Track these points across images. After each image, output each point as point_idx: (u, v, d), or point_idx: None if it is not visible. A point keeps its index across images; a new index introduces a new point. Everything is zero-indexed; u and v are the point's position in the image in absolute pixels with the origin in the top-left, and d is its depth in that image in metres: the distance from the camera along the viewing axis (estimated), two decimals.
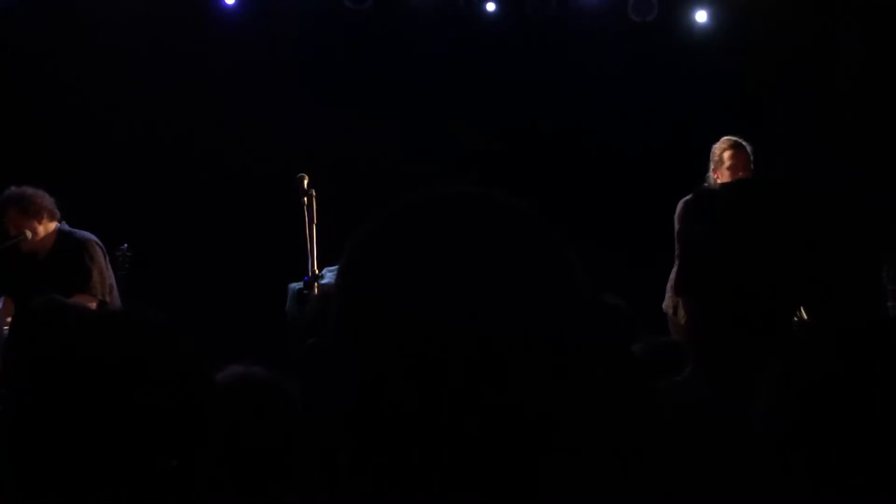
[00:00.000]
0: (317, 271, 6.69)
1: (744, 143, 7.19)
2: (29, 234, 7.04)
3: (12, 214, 6.95)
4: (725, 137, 7.23)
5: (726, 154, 7.14)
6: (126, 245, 7.53)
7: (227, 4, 9.59)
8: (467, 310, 1.18)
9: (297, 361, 2.95)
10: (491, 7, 9.82)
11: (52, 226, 7.11)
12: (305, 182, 6.89)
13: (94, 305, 6.86)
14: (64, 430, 1.80)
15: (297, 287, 7.26)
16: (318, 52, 9.83)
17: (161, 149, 9.49)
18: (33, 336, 3.62)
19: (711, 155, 7.23)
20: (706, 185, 7.06)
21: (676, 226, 6.48)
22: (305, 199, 6.86)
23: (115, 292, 7.25)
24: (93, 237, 7.19)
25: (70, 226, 7.23)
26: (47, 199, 7.07)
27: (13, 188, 7.04)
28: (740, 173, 7.04)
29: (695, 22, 9.95)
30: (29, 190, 7.03)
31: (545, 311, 1.20)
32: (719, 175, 7.12)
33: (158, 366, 1.86)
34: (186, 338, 1.92)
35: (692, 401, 2.16)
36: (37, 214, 7.00)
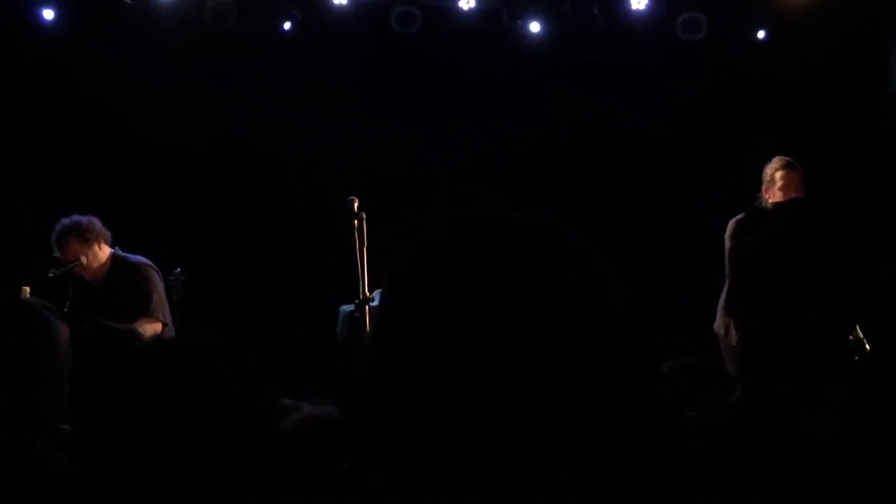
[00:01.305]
0: (367, 294, 6.69)
1: (796, 162, 7.13)
2: (84, 259, 7.10)
3: (73, 243, 7.01)
4: (777, 157, 7.17)
5: (778, 174, 7.09)
6: (179, 269, 7.59)
7: (284, 30, 9.67)
8: (505, 332, 1.18)
9: (345, 392, 2.95)
10: (535, 27, 9.81)
11: (107, 251, 7.17)
12: (356, 205, 6.90)
13: (158, 328, 6.92)
14: (124, 459, 1.81)
15: (348, 309, 7.28)
16: (368, 75, 9.89)
17: (213, 173, 9.58)
18: (84, 363, 3.64)
19: (763, 175, 7.18)
20: (757, 204, 7.02)
21: (727, 245, 6.44)
22: (356, 221, 6.87)
23: (170, 315, 7.30)
24: (147, 261, 7.23)
25: (124, 251, 7.29)
26: (100, 224, 7.14)
27: (64, 220, 7.10)
28: (792, 193, 6.99)
29: (744, 40, 9.88)
30: (82, 217, 7.09)
31: (582, 334, 1.20)
32: (771, 195, 7.07)
33: (221, 395, 1.86)
34: (249, 365, 1.93)
35: (744, 423, 2.14)
36: (95, 240, 7.07)
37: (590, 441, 1.21)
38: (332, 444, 2.44)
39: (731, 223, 6.52)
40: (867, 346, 4.75)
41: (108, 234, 7.17)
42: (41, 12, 9.39)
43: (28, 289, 6.80)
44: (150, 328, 6.82)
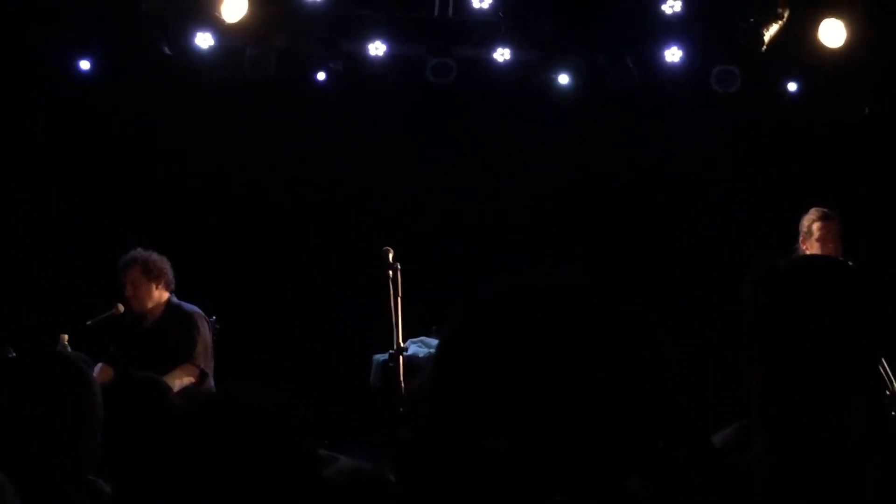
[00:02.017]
0: (401, 343, 6.71)
1: (833, 214, 7.09)
2: (121, 307, 7.20)
3: (135, 273, 7.13)
4: (815, 208, 7.13)
5: (815, 225, 7.05)
6: (214, 318, 7.64)
7: (321, 81, 9.76)
8: (555, 403, 1.20)
9: (395, 453, 2.96)
10: (570, 80, 9.84)
11: (165, 295, 7.26)
12: (391, 255, 6.93)
13: (194, 376, 6.97)
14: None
15: (382, 359, 7.29)
16: (403, 126, 9.96)
17: (250, 223, 9.66)
18: (132, 413, 3.68)
19: (801, 226, 7.14)
20: (794, 255, 6.98)
21: (748, 297, 6.40)
22: (390, 272, 6.90)
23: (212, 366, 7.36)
24: (200, 311, 7.32)
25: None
26: (169, 268, 7.26)
27: (140, 249, 7.22)
28: (830, 245, 6.95)
29: (779, 93, 9.87)
30: (155, 255, 7.24)
31: (631, 402, 1.22)
32: (808, 246, 7.03)
33: (264, 448, 1.88)
34: (289, 416, 1.94)
35: (762, 479, 2.14)
36: (157, 279, 7.17)
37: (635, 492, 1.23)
38: (370, 497, 2.44)
39: (752, 275, 6.49)
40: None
41: (171, 280, 7.28)
42: (78, 63, 9.51)
43: (66, 336, 6.86)
44: (187, 377, 6.86)
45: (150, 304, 7.20)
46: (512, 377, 1.22)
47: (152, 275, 7.17)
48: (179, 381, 6.84)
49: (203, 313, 7.35)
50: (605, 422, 1.22)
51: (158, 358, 6.73)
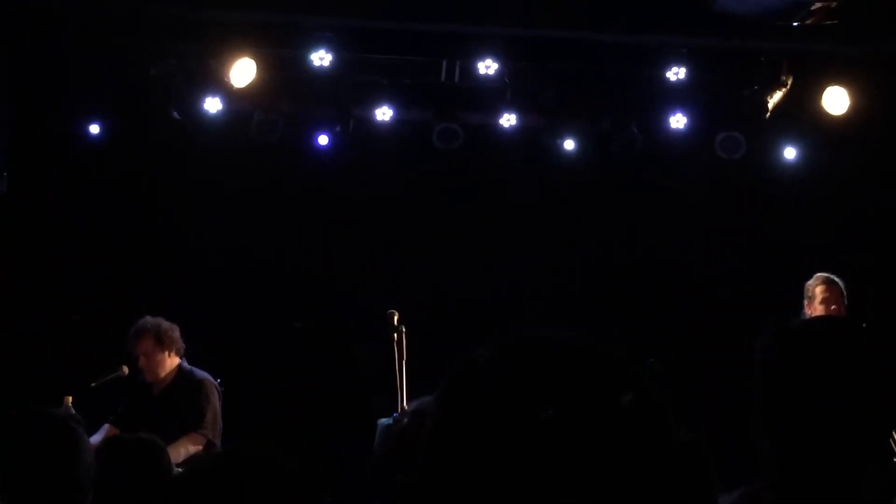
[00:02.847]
0: (406, 407, 6.68)
1: (836, 279, 7.14)
2: (126, 369, 7.19)
3: (147, 342, 7.12)
4: (818, 274, 7.19)
5: (818, 289, 7.10)
6: (220, 380, 7.63)
7: (327, 145, 9.82)
8: (556, 461, 1.20)
9: (385, 496, 2.95)
10: (575, 145, 9.88)
11: (176, 361, 7.25)
12: (396, 318, 6.94)
13: (202, 444, 6.94)
14: None
15: (387, 423, 7.26)
16: (410, 189, 10.01)
17: (256, 285, 9.68)
18: (124, 473, 3.68)
19: (805, 290, 7.19)
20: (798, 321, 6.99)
21: (758, 360, 6.39)
22: (395, 334, 6.90)
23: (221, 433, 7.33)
24: (211, 378, 7.30)
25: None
26: (178, 335, 7.25)
27: (149, 318, 7.22)
28: (833, 308, 6.98)
29: (782, 159, 9.90)
30: (165, 323, 7.25)
31: (634, 464, 1.22)
32: (812, 311, 7.07)
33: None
34: (296, 476, 1.94)
35: None
36: (169, 347, 7.19)
37: None
38: None
39: (760, 340, 6.49)
40: None
41: (182, 346, 7.29)
42: (87, 127, 9.56)
43: (70, 398, 6.85)
44: (193, 445, 6.84)
45: (162, 374, 7.20)
46: (510, 439, 1.22)
47: (164, 344, 7.17)
48: (185, 449, 6.82)
49: (213, 380, 7.33)
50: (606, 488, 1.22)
51: (167, 424, 6.70)
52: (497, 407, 1.24)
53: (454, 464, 1.24)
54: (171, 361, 7.22)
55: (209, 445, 6.99)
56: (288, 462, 1.94)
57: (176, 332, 7.23)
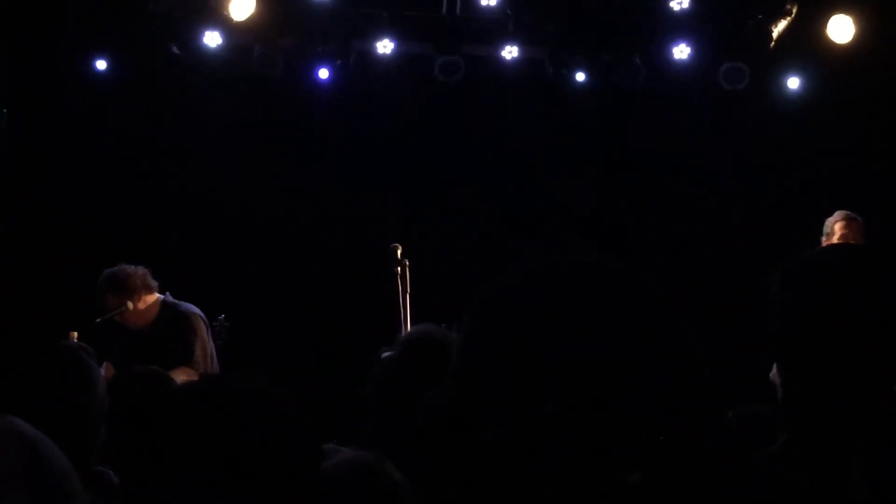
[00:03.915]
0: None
1: (856, 216, 7.07)
2: (130, 305, 7.15)
3: (109, 296, 7.06)
4: (839, 211, 7.12)
5: (838, 225, 7.04)
6: (223, 316, 7.62)
7: (328, 79, 9.77)
8: (582, 372, 1.21)
9: (407, 418, 2.96)
10: (578, 77, 9.85)
11: (152, 298, 7.17)
12: (399, 252, 6.94)
13: (196, 378, 6.94)
14: (173, 497, 1.83)
15: (389, 355, 7.28)
16: (411, 124, 9.97)
17: (259, 220, 9.68)
18: (137, 405, 3.69)
19: (824, 227, 7.14)
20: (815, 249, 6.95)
21: (774, 293, 6.38)
22: (399, 268, 6.91)
23: (216, 364, 7.31)
24: (196, 310, 7.24)
25: (173, 297, 7.33)
26: (139, 275, 7.10)
27: (107, 270, 7.13)
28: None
29: (787, 90, 9.85)
30: (120, 271, 7.09)
31: (656, 374, 1.23)
32: None
33: (266, 437, 1.88)
34: (292, 409, 1.94)
35: (783, 473, 2.13)
36: (132, 293, 7.07)
37: (654, 482, 1.24)
38: (371, 487, 2.45)
39: (778, 270, 6.46)
40: None
41: (152, 284, 7.16)
42: (87, 63, 9.58)
43: (76, 334, 6.86)
44: (187, 377, 6.82)
45: (142, 321, 7.14)
46: (534, 358, 1.23)
47: (126, 290, 7.01)
48: (179, 380, 6.81)
49: (201, 313, 7.25)
50: (623, 409, 1.23)
51: (158, 361, 6.66)
52: (524, 321, 1.25)
53: (488, 377, 1.25)
54: (146, 300, 7.13)
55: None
56: (282, 399, 1.94)
57: (135, 275, 7.06)
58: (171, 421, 1.90)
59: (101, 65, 9.57)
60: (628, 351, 1.25)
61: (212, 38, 9.30)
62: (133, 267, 7.12)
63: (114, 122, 9.64)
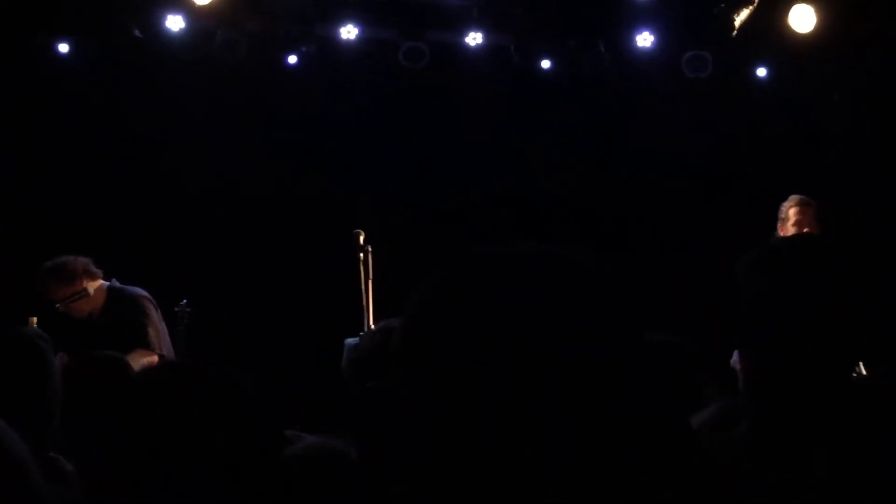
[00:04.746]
0: (373, 326, 6.69)
1: (811, 201, 7.10)
2: (91, 289, 7.10)
3: (52, 287, 6.99)
4: (793, 195, 7.13)
5: (792, 210, 7.06)
6: (185, 301, 7.59)
7: (292, 65, 9.72)
8: (529, 356, 1.21)
9: (355, 404, 2.95)
10: (543, 64, 9.87)
11: (96, 284, 7.10)
12: (361, 238, 6.92)
13: (154, 360, 6.90)
14: (132, 483, 1.82)
15: (354, 343, 7.27)
16: (375, 110, 9.94)
17: (220, 206, 9.62)
18: (93, 391, 3.66)
19: (779, 212, 7.16)
20: (771, 240, 7.00)
21: (738, 280, 6.41)
22: (361, 254, 6.89)
23: (168, 344, 7.26)
24: (143, 292, 7.18)
25: (131, 283, 7.27)
26: (80, 263, 7.03)
27: (47, 263, 7.04)
28: (805, 230, 6.97)
29: (750, 77, 9.92)
30: (60, 259, 7.02)
31: (605, 361, 1.23)
32: (784, 232, 7.04)
33: (226, 422, 1.87)
34: (253, 395, 1.94)
35: (747, 456, 2.15)
36: (77, 279, 7.01)
37: (608, 467, 1.24)
38: (334, 473, 2.45)
39: (742, 260, 6.49)
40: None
41: (95, 271, 7.08)
42: (56, 47, 9.49)
43: (35, 319, 6.80)
44: (146, 360, 6.77)
45: (88, 308, 7.08)
46: (475, 346, 1.23)
47: (68, 278, 6.97)
48: (137, 363, 6.77)
49: (147, 295, 7.19)
50: (565, 396, 1.22)
51: (111, 346, 6.60)
52: (471, 307, 1.24)
53: (431, 363, 1.24)
54: (90, 288, 7.09)
55: (161, 359, 6.96)
56: (242, 384, 1.93)
57: (76, 262, 6.99)
58: (130, 406, 1.88)
59: (63, 48, 9.48)
60: (572, 338, 1.24)
61: (174, 22, 9.25)
62: (73, 256, 7.07)
63: (75, 107, 9.53)
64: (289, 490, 2.05)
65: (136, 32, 9.31)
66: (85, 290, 7.05)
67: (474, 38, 9.66)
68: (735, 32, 9.35)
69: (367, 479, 2.45)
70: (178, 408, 1.86)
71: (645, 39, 9.74)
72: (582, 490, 1.22)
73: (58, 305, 7.07)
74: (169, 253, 9.08)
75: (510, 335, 1.22)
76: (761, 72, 9.94)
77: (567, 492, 1.21)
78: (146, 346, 6.91)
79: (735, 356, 6.96)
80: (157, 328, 7.10)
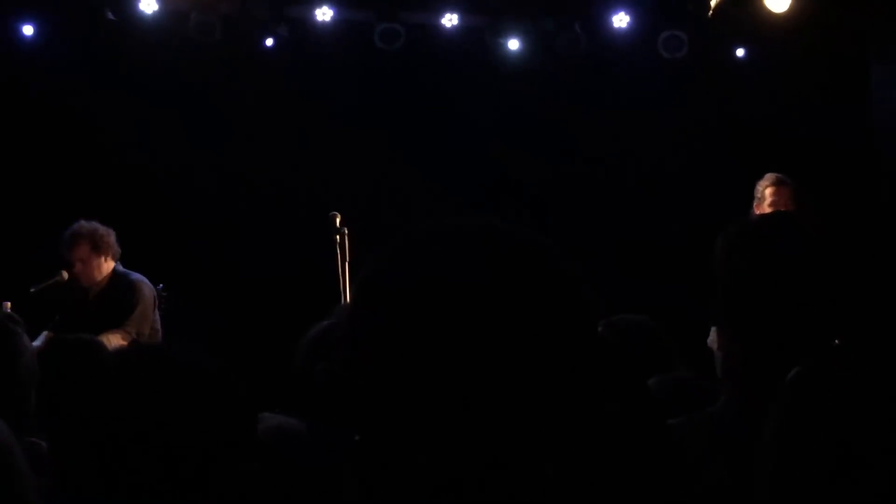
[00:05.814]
0: None
1: (786, 179, 7.09)
2: (65, 274, 7.13)
3: (83, 247, 7.07)
4: (769, 174, 7.12)
5: (768, 190, 7.05)
6: (161, 285, 7.57)
7: (267, 46, 9.67)
8: (475, 339, 1.19)
9: (306, 386, 2.95)
10: (518, 45, 9.85)
11: (111, 265, 7.20)
12: (338, 220, 6.92)
13: (124, 342, 6.88)
14: (104, 467, 1.80)
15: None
16: (350, 91, 9.90)
17: (195, 189, 9.57)
18: (65, 373, 3.64)
19: (755, 191, 7.16)
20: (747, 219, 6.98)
21: (716, 259, 6.41)
22: (338, 236, 6.89)
23: (160, 336, 7.30)
24: (146, 280, 7.27)
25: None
26: (114, 239, 7.21)
27: (83, 222, 7.14)
28: (781, 209, 6.97)
29: (725, 58, 9.94)
30: (101, 228, 7.17)
31: (552, 344, 1.22)
32: (761, 211, 7.04)
33: (205, 404, 1.86)
34: (232, 375, 1.92)
35: (725, 433, 2.15)
36: (105, 252, 7.15)
37: (562, 444, 1.23)
38: (294, 452, 2.45)
39: (719, 238, 6.49)
40: None
41: (117, 250, 7.26)
42: (21, 28, 9.35)
43: (10, 304, 6.79)
44: (115, 340, 6.75)
45: (98, 278, 7.16)
46: (427, 323, 1.21)
47: (101, 249, 7.13)
48: (107, 342, 6.74)
49: (149, 283, 7.30)
50: (513, 379, 1.21)
51: (100, 327, 6.66)
52: (417, 287, 1.24)
53: (373, 343, 1.24)
54: (107, 266, 7.19)
55: (133, 343, 6.95)
56: (214, 365, 1.92)
57: (112, 236, 7.19)
58: (101, 389, 1.87)
59: (27, 30, 9.35)
60: (520, 318, 1.23)
61: (147, 5, 9.17)
62: (108, 228, 7.22)
63: (42, 91, 9.43)
64: (262, 472, 2.04)
65: (109, 14, 9.23)
66: (61, 275, 7.11)
67: (450, 20, 9.64)
68: (711, 13, 9.35)
69: (318, 458, 2.45)
70: (147, 389, 1.84)
71: (621, 20, 9.75)
72: (524, 469, 1.21)
73: (32, 289, 7.07)
74: (144, 237, 9.02)
75: (450, 311, 1.21)
76: (738, 52, 9.95)
77: (510, 471, 1.21)
78: (123, 327, 6.93)
79: (711, 335, 6.99)
80: (146, 315, 7.16)
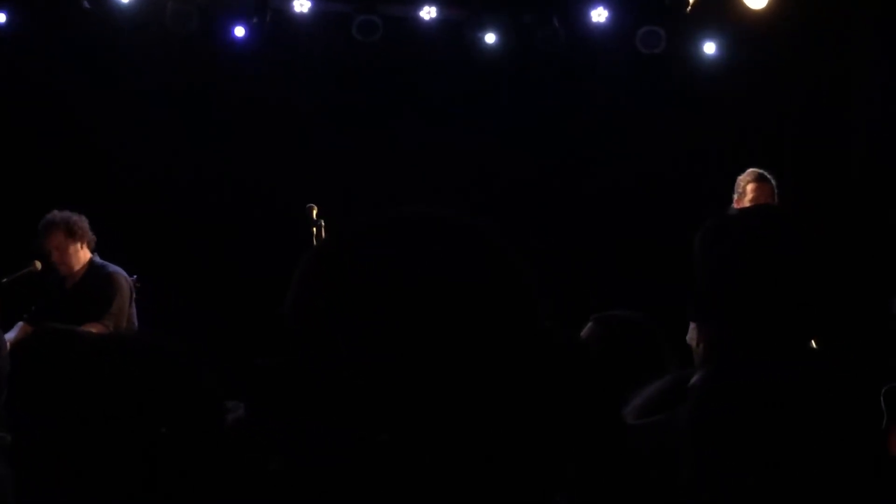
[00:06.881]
0: None
1: (768, 175, 7.09)
2: (38, 264, 7.11)
3: (57, 235, 7.08)
4: (751, 169, 7.11)
5: (749, 186, 7.05)
6: (135, 276, 7.54)
7: (244, 36, 9.63)
8: (418, 328, 1.19)
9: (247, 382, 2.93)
10: (497, 38, 9.83)
11: (88, 255, 7.19)
12: (314, 212, 6.89)
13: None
14: (74, 456, 1.78)
15: None
16: (328, 83, 9.87)
17: (171, 180, 9.53)
18: (36, 364, 3.60)
19: (736, 186, 7.15)
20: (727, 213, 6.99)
21: (694, 253, 6.41)
22: (315, 229, 6.86)
23: (135, 328, 7.30)
24: (123, 272, 7.28)
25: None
26: (88, 226, 7.23)
27: (56, 211, 7.15)
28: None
29: (703, 54, 9.96)
30: (74, 215, 7.18)
31: (486, 329, 1.21)
32: (741, 206, 7.04)
33: (172, 393, 1.84)
34: (200, 364, 1.91)
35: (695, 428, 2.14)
36: (80, 239, 7.17)
37: (506, 432, 1.22)
38: (244, 440, 2.43)
39: (699, 233, 6.49)
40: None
41: (93, 238, 7.29)
42: None
43: None
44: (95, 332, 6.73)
45: (76, 267, 7.16)
46: (373, 308, 1.21)
47: (75, 235, 7.13)
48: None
49: (126, 275, 7.30)
50: (456, 360, 1.20)
51: (77, 318, 6.67)
52: (357, 277, 1.23)
53: (316, 332, 1.23)
54: (84, 254, 7.19)
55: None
56: (184, 355, 1.90)
57: (85, 222, 7.20)
58: (69, 378, 1.85)
59: (0, 18, 9.27)
60: (454, 303, 1.23)
61: None
62: (81, 216, 7.24)
63: (14, 80, 9.36)
64: (229, 462, 2.02)
65: (85, 3, 9.16)
66: (34, 265, 7.09)
67: (429, 13, 9.62)
68: (689, 9, 9.37)
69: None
70: (117, 378, 1.83)
71: (599, 15, 9.76)
72: (467, 461, 1.20)
73: (4, 280, 7.04)
74: (120, 228, 8.96)
75: (393, 300, 1.20)
76: (713, 48, 9.97)
77: (456, 464, 1.20)
78: (101, 320, 6.93)
79: (690, 332, 6.97)
80: (123, 309, 7.18)
